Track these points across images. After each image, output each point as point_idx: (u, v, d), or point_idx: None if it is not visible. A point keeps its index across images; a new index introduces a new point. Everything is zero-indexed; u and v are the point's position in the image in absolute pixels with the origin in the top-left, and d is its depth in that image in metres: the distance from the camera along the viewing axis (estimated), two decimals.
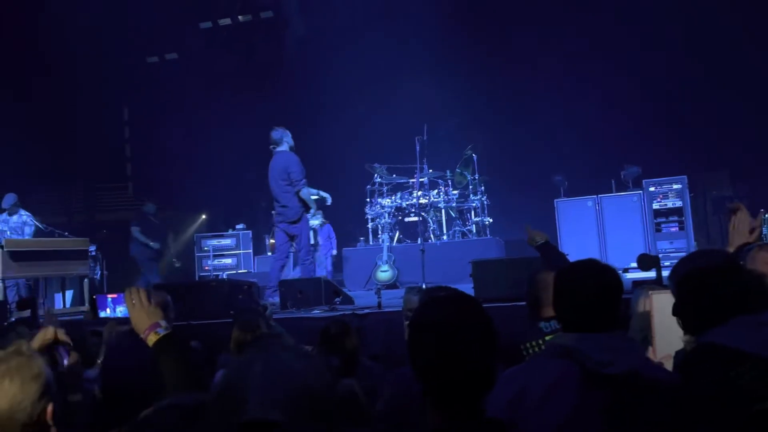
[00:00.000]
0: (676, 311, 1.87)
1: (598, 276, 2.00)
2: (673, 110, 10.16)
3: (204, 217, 12.05)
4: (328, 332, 3.14)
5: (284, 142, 6.79)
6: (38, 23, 11.29)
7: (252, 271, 10.61)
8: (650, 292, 2.49)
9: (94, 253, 9.39)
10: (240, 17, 12.84)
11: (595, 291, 1.97)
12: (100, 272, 9.60)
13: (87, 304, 8.72)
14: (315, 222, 9.53)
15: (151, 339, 2.00)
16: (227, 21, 12.91)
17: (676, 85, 10.07)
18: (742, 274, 1.81)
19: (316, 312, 5.47)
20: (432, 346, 1.49)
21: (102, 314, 2.18)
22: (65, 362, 2.30)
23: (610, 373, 1.87)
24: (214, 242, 11.25)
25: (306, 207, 6.79)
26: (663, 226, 8.49)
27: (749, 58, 9.52)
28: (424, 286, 5.85)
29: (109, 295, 2.30)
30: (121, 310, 2.31)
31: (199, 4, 12.59)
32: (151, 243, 9.87)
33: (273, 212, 7.03)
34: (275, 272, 6.77)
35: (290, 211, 6.65)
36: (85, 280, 8.79)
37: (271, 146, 6.83)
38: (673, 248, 8.33)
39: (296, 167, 6.63)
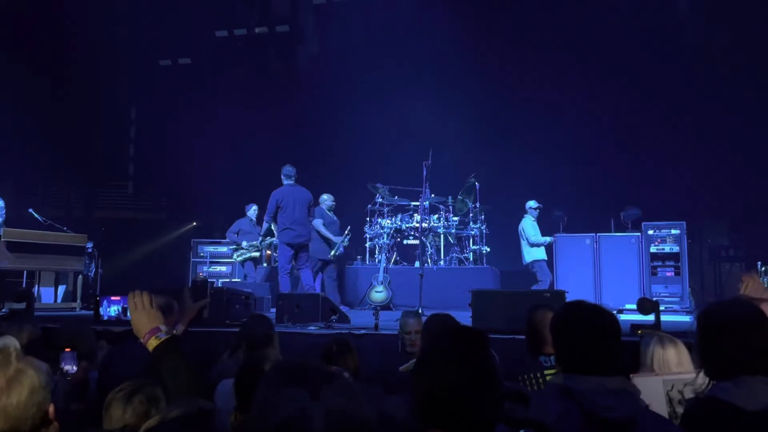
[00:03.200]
0: (696, 349, 1.91)
1: (596, 318, 2.01)
2: (676, 156, 10.27)
3: (194, 223, 12.04)
4: (330, 350, 3.14)
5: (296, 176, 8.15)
6: (55, 16, 11.37)
7: (246, 280, 10.58)
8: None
9: (90, 250, 9.36)
10: (256, 29, 12.96)
11: (594, 333, 1.98)
12: (94, 270, 9.54)
13: (79, 300, 8.72)
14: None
15: (152, 343, 1.98)
16: (243, 31, 13.04)
17: (683, 132, 10.19)
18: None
19: (312, 328, 5.46)
20: (445, 378, 1.52)
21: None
22: (73, 370, 2.29)
23: (611, 418, 1.90)
24: (211, 249, 11.23)
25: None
26: (659, 269, 8.54)
27: (756, 110, 9.66)
28: (420, 311, 5.87)
29: (113, 297, 2.32)
30: (116, 310, 2.31)
31: (217, 12, 12.71)
32: (333, 237, 9.03)
33: (288, 231, 7.88)
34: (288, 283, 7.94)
35: (309, 234, 8.08)
36: (79, 276, 8.78)
37: (289, 179, 8.08)
38: (668, 293, 8.37)
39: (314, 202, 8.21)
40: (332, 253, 9.08)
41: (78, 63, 11.86)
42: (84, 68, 11.82)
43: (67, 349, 2.52)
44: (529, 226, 8.78)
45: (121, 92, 12.79)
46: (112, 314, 2.19)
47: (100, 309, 2.14)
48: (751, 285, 2.51)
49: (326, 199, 9.37)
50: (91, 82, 11.88)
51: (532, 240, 8.66)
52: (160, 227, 13.50)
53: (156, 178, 13.68)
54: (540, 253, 8.68)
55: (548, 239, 8.87)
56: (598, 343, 1.97)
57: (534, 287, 8.52)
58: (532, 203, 9.05)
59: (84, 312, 8.45)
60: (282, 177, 8.12)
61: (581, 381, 1.96)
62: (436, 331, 3.07)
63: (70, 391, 2.64)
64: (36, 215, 8.91)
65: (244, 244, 10.13)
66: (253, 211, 10.47)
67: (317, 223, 9.00)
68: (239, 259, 10.28)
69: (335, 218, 9.50)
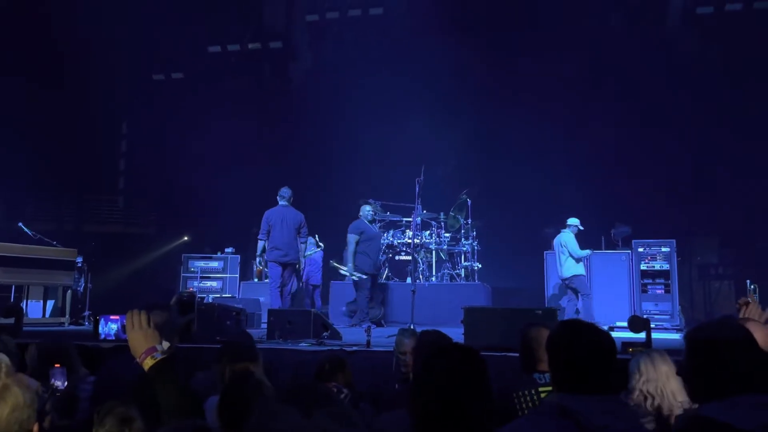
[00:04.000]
0: (682, 373, 1.91)
1: (593, 338, 2.01)
2: (668, 175, 10.37)
3: (185, 238, 11.94)
4: (323, 368, 3.12)
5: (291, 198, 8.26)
6: (49, 26, 11.37)
7: (237, 296, 10.51)
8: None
9: (80, 265, 9.28)
10: (249, 45, 13.03)
11: (591, 352, 1.98)
12: (83, 284, 9.44)
13: (67, 316, 8.63)
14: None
15: (147, 363, 1.99)
16: (236, 47, 13.10)
17: (673, 150, 10.30)
18: (757, 352, 1.85)
19: (303, 345, 5.42)
20: (442, 394, 1.54)
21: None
22: (63, 386, 2.28)
23: None
24: (202, 264, 11.17)
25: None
26: (649, 287, 8.59)
27: (747, 127, 9.79)
28: (412, 327, 5.87)
29: (112, 316, 2.31)
30: (113, 328, 2.31)
31: (210, 27, 12.78)
32: (347, 266, 8.53)
33: (275, 250, 8.02)
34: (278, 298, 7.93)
35: (296, 254, 8.15)
36: (68, 291, 8.69)
37: (283, 200, 8.16)
38: (658, 310, 8.41)
39: (305, 224, 8.26)
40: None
41: (70, 75, 11.85)
42: (76, 81, 11.81)
43: (57, 365, 2.50)
44: (572, 240, 8.62)
45: (113, 106, 12.79)
46: (111, 333, 2.19)
47: (99, 327, 2.15)
48: (750, 309, 2.52)
49: (366, 213, 8.92)
50: (83, 96, 11.86)
51: (577, 254, 8.52)
52: (150, 242, 13.42)
53: (147, 192, 13.63)
54: (581, 268, 8.58)
55: (588, 252, 8.79)
56: (595, 362, 1.97)
57: (569, 301, 8.53)
58: (575, 221, 8.87)
59: (72, 327, 8.37)
60: (277, 197, 8.26)
61: (577, 400, 1.96)
62: (430, 348, 3.06)
63: (58, 407, 2.62)
64: (26, 229, 8.85)
65: None
66: None
67: (351, 239, 8.65)
68: None
69: (377, 231, 9.13)
